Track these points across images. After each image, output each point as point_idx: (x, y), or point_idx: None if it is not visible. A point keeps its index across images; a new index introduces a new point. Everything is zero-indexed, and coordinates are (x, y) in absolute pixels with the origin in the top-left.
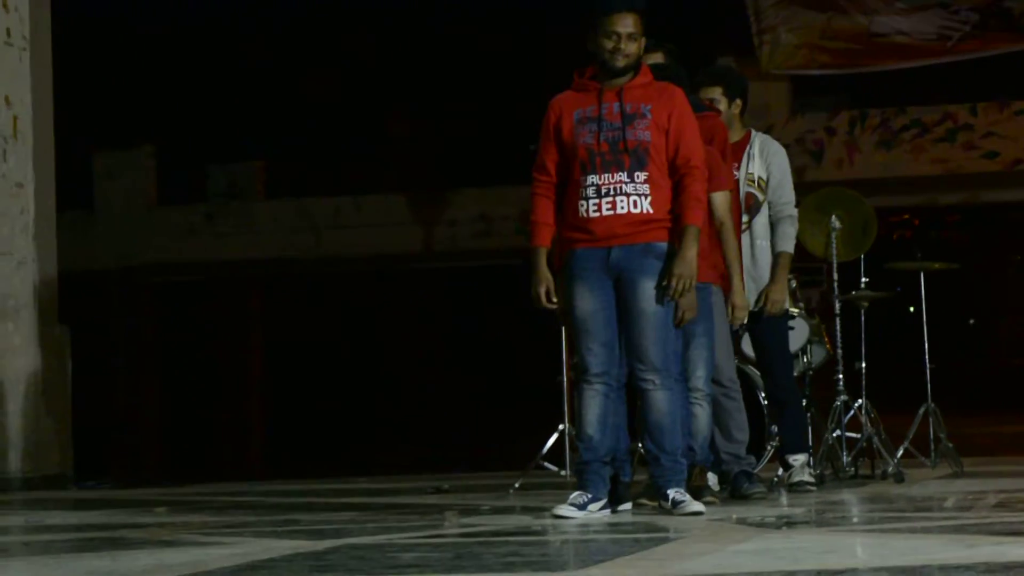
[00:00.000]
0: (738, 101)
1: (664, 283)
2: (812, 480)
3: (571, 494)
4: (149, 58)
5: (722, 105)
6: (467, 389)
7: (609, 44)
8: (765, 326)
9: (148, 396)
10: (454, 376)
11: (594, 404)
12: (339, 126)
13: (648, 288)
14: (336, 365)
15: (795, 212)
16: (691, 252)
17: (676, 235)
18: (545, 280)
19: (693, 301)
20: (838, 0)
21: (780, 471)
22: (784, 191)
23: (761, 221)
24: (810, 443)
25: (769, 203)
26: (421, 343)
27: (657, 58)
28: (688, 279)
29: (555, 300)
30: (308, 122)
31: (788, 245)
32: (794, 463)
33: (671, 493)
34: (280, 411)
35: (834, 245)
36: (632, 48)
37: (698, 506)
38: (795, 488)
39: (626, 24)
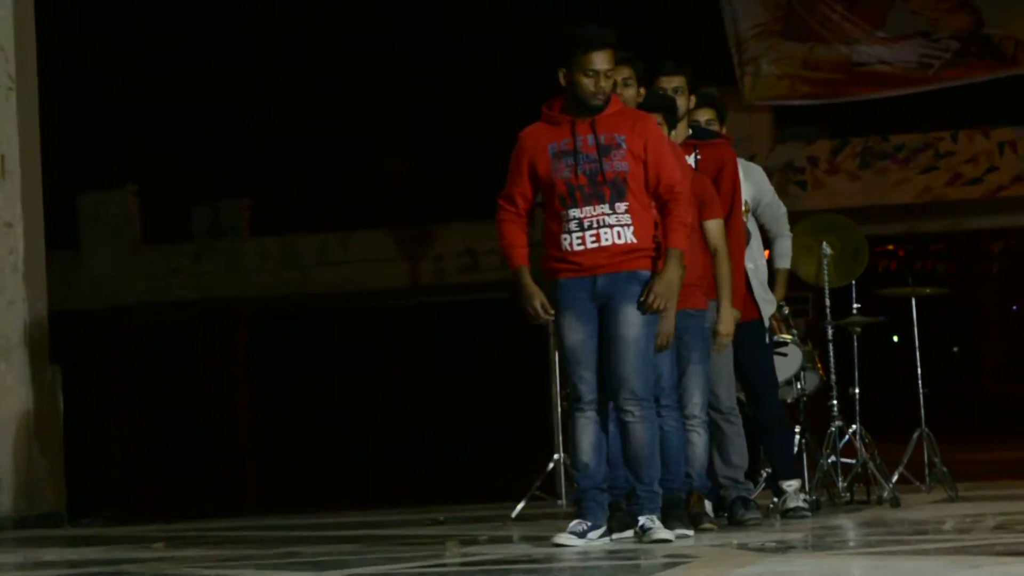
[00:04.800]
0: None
1: (642, 299)
2: (806, 506)
3: (570, 523)
4: (132, 96)
5: (715, 127)
6: (458, 422)
7: (589, 83)
8: (752, 353)
9: (138, 433)
10: (444, 409)
11: (588, 432)
12: (324, 163)
13: (631, 315)
14: (323, 401)
15: (788, 228)
16: (673, 273)
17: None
18: (537, 294)
19: (670, 328)
20: (819, 30)
21: (775, 498)
22: (778, 207)
23: (753, 244)
24: (805, 469)
25: (765, 222)
26: (409, 377)
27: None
28: (665, 298)
29: (551, 311)
30: (293, 159)
31: (786, 262)
32: (788, 489)
33: (641, 520)
34: (269, 446)
35: (826, 271)
36: (609, 85)
37: (665, 533)
38: (789, 514)
39: (604, 61)
